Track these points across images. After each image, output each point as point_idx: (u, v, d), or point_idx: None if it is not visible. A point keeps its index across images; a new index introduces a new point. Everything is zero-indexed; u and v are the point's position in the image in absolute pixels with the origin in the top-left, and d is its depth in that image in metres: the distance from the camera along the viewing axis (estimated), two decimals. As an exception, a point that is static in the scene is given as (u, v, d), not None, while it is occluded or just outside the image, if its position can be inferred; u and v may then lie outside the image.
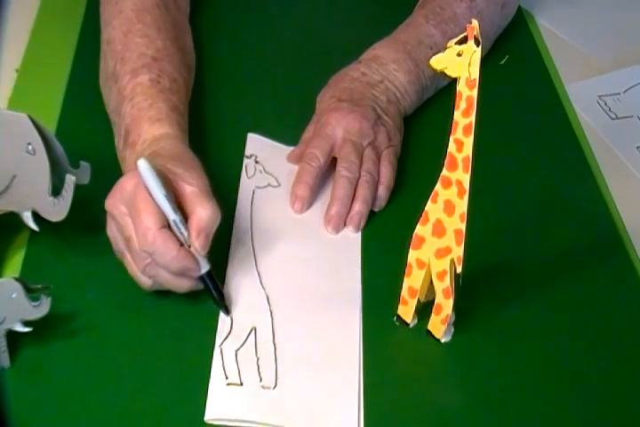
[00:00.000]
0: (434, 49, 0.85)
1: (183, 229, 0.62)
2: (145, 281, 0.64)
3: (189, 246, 0.62)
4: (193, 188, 0.63)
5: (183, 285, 0.64)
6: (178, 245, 0.61)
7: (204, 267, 0.64)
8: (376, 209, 0.77)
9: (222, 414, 0.60)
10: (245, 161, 0.80)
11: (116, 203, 0.62)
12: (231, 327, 0.65)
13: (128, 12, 0.80)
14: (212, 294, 0.65)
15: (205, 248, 0.63)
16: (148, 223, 0.61)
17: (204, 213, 0.62)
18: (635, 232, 0.77)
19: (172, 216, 0.62)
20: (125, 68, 0.75)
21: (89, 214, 0.70)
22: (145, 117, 0.71)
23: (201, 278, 0.64)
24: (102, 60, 0.80)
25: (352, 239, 0.74)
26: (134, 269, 0.64)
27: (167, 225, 0.62)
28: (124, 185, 0.62)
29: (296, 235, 0.74)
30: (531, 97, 0.93)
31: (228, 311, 0.66)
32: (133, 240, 0.62)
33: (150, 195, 0.61)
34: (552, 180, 0.83)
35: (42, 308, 0.59)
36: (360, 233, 0.75)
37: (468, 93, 0.55)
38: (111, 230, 0.65)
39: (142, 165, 0.61)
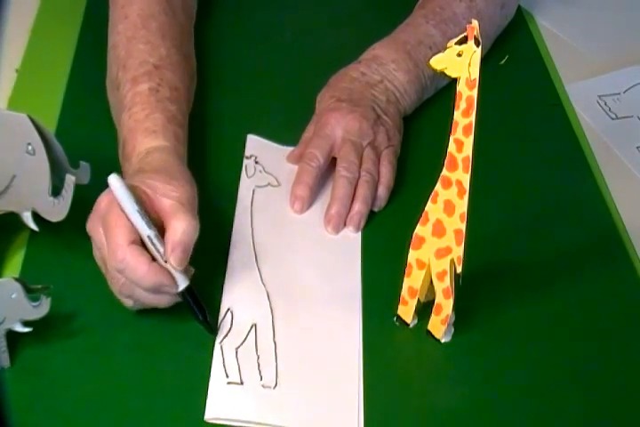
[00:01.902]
0: (433, 49, 0.85)
1: (159, 245, 0.60)
2: (126, 302, 0.63)
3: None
4: (172, 201, 0.62)
5: (162, 301, 0.62)
6: (149, 260, 0.59)
7: (182, 283, 0.61)
8: (376, 209, 0.77)
9: (222, 413, 0.60)
10: (245, 161, 0.79)
11: (94, 224, 0.61)
12: (231, 324, 0.65)
13: (134, 17, 0.79)
14: (193, 311, 0.63)
15: (181, 264, 0.60)
16: (118, 239, 0.59)
17: (178, 225, 0.60)
18: (635, 232, 0.77)
19: (147, 232, 0.60)
20: (127, 76, 0.75)
21: (89, 214, 0.71)
22: (140, 129, 0.70)
23: (181, 295, 0.62)
24: (108, 66, 0.80)
25: (352, 239, 0.74)
26: (114, 290, 0.62)
27: (140, 241, 0.60)
28: (99, 204, 0.61)
29: (296, 235, 0.74)
30: (531, 97, 0.93)
31: (213, 330, 0.63)
32: (108, 261, 0.60)
33: (123, 211, 0.60)
34: (552, 180, 0.82)
35: (42, 308, 0.59)
36: (360, 233, 0.75)
37: (468, 93, 0.55)
38: (94, 252, 0.63)
39: (112, 180, 0.60)
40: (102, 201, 0.61)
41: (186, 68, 0.79)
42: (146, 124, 0.70)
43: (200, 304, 0.63)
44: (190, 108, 0.78)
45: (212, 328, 0.64)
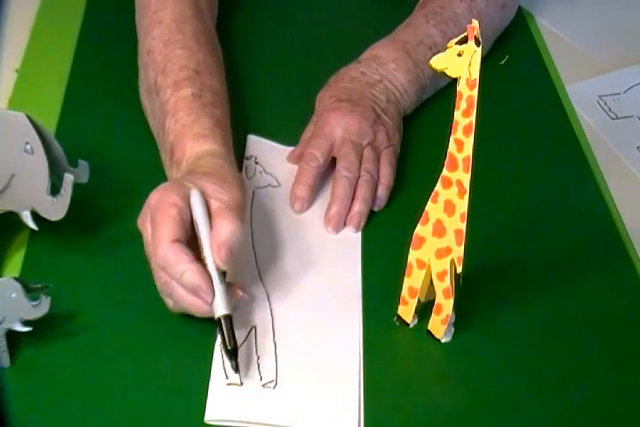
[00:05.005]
0: (433, 49, 0.85)
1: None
2: (168, 302, 0.63)
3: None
4: (219, 204, 0.63)
5: (200, 308, 0.61)
6: (191, 259, 0.60)
7: (222, 310, 0.60)
8: (376, 209, 0.77)
9: (222, 414, 0.60)
10: (245, 162, 0.79)
11: (143, 220, 0.62)
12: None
13: (168, 21, 0.78)
14: (224, 341, 0.60)
15: (227, 263, 0.61)
16: (162, 236, 0.60)
17: (224, 226, 0.61)
18: (635, 232, 0.77)
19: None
20: (167, 81, 0.74)
21: (89, 214, 0.71)
22: (189, 134, 0.70)
23: (217, 321, 0.61)
24: (142, 70, 0.79)
25: (352, 239, 0.74)
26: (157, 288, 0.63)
27: (185, 242, 0.61)
28: (149, 201, 0.62)
29: (296, 235, 0.74)
30: (531, 97, 0.93)
31: (236, 368, 0.61)
32: (151, 257, 0.61)
33: (196, 228, 0.62)
34: (552, 180, 0.82)
35: (41, 307, 0.59)
36: (360, 233, 0.75)
37: (468, 93, 0.55)
38: (145, 248, 0.64)
39: (194, 193, 0.62)
40: (152, 198, 0.62)
41: (221, 72, 0.80)
42: (194, 129, 0.70)
43: (233, 337, 0.61)
44: (230, 112, 0.78)
45: (237, 366, 0.61)
